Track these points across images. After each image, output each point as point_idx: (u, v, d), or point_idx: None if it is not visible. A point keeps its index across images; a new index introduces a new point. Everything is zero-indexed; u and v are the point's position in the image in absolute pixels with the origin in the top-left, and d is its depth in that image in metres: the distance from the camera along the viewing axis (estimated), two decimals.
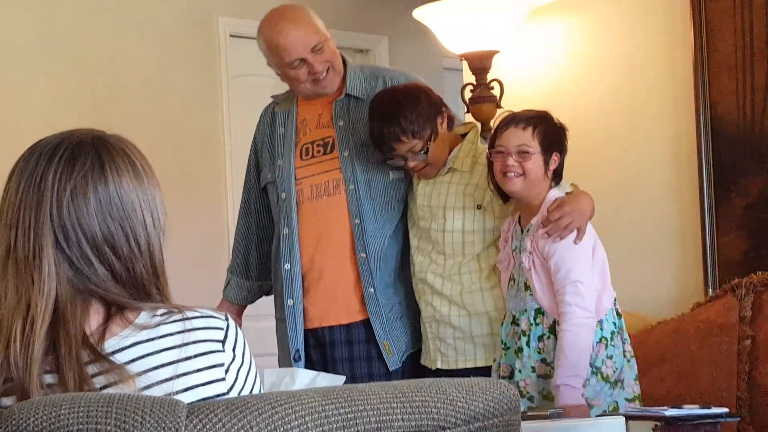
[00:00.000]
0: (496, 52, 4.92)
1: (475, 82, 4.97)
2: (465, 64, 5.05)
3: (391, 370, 3.70)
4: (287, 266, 3.75)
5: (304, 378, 2.93)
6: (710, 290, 4.42)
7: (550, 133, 3.43)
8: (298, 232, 3.75)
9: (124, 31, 6.05)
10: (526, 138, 3.39)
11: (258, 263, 4.02)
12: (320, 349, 3.77)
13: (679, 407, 3.04)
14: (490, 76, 4.95)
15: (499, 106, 4.89)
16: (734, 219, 4.44)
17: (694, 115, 4.51)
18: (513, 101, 4.89)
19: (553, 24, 5.00)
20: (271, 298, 3.98)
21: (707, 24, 4.50)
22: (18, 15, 5.70)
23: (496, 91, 4.95)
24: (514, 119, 3.46)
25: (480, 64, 4.93)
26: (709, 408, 3.09)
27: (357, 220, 3.70)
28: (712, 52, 4.49)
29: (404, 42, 7.49)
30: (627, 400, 3.35)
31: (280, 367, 3.85)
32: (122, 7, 6.06)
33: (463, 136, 3.74)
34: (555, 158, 3.42)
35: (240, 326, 3.88)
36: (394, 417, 1.62)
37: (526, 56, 5.07)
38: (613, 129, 4.82)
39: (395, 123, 3.53)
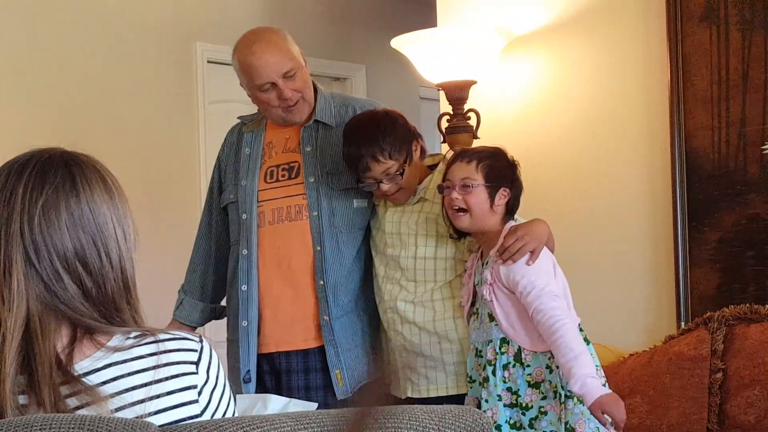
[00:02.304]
0: (473, 82, 4.93)
1: (451, 112, 4.98)
2: (442, 94, 5.07)
3: (339, 399, 3.65)
4: (244, 287, 3.71)
5: (276, 404, 2.92)
6: (683, 323, 4.43)
7: (496, 167, 3.44)
8: (257, 254, 3.72)
9: (101, 56, 6.05)
10: (469, 171, 3.42)
11: (214, 285, 3.98)
12: (275, 375, 3.72)
13: None
14: (466, 106, 4.97)
15: (475, 137, 4.90)
16: (707, 253, 4.45)
17: (669, 149, 4.53)
18: (489, 131, 4.90)
19: (531, 56, 5.02)
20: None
21: (684, 58, 4.53)
22: None
23: (472, 121, 4.96)
24: (460, 154, 3.51)
25: (457, 94, 4.94)
26: None
27: (318, 247, 3.67)
28: (688, 86, 4.52)
29: (382, 71, 7.52)
30: (599, 427, 3.34)
31: None
32: (100, 33, 6.05)
33: (431, 168, 3.73)
34: (503, 193, 3.44)
35: None
36: None
37: (503, 87, 5.09)
38: (589, 161, 4.83)
39: (374, 143, 3.52)
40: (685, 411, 4.03)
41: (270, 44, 3.68)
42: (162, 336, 1.79)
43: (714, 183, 4.44)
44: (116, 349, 1.76)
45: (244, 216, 3.75)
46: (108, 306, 1.81)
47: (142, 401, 1.73)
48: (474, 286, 3.50)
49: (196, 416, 1.76)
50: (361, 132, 3.58)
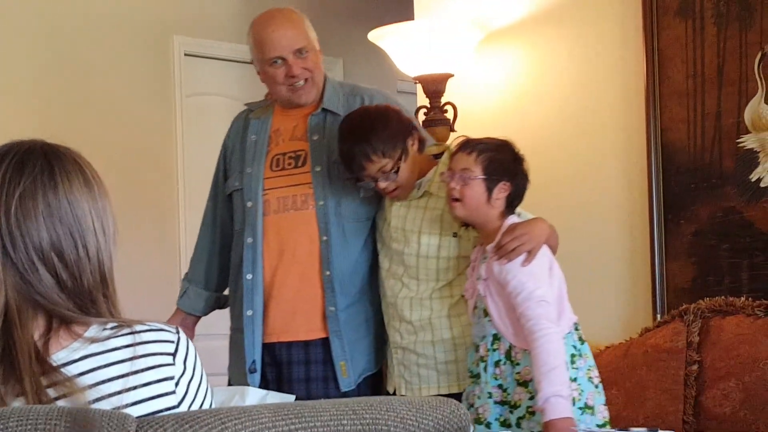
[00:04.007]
0: (450, 75, 4.95)
1: (429, 105, 4.99)
2: (419, 87, 5.08)
3: (343, 390, 3.63)
4: (249, 276, 3.68)
5: (254, 396, 2.92)
6: (659, 315, 4.45)
7: (497, 160, 3.38)
8: (262, 242, 3.69)
9: (79, 48, 6.03)
10: (468, 162, 3.37)
11: (219, 274, 3.94)
12: (276, 367, 3.69)
13: (627, 430, 3.05)
14: (443, 100, 4.98)
15: (452, 129, 4.91)
16: (683, 245, 4.47)
17: (645, 142, 4.55)
18: (466, 125, 4.91)
19: (507, 49, 5.03)
20: (225, 315, 3.93)
21: (659, 52, 4.55)
22: None
23: (449, 115, 4.98)
24: (464, 144, 3.45)
25: (434, 87, 4.95)
26: (656, 431, 3.10)
27: (324, 237, 3.64)
28: (664, 79, 4.54)
29: (359, 64, 7.51)
30: (598, 425, 3.30)
31: (230, 380, 3.80)
32: (78, 25, 6.04)
33: (436, 156, 3.69)
34: (503, 186, 3.37)
35: (192, 338, 3.83)
36: None
37: (480, 80, 5.10)
38: (565, 155, 4.85)
39: (365, 142, 3.47)
40: (661, 403, 4.05)
41: (287, 20, 3.73)
42: (139, 327, 1.79)
43: (690, 176, 4.46)
44: (93, 340, 1.76)
45: (249, 204, 3.72)
46: (84, 298, 1.81)
47: (119, 392, 1.72)
48: (476, 279, 3.45)
49: (173, 407, 1.76)
50: (353, 131, 3.54)
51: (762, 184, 4.32)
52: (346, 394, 3.62)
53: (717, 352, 4.06)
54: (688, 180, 4.47)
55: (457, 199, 3.38)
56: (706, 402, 4.00)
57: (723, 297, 4.20)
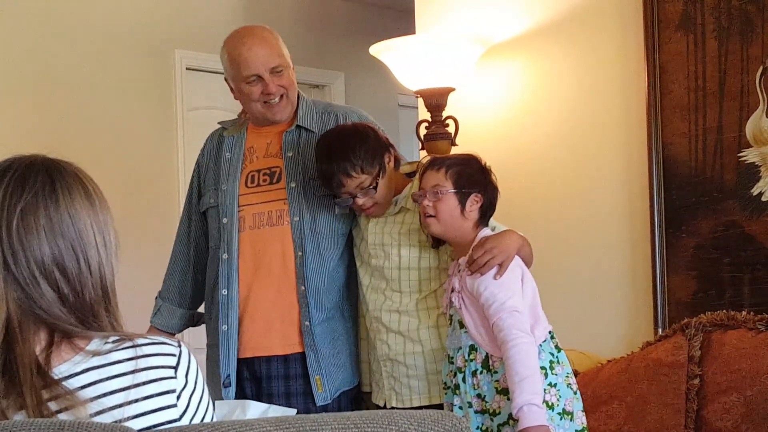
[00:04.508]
0: (451, 89, 4.94)
1: (430, 119, 4.98)
2: (420, 101, 5.07)
3: (318, 405, 3.65)
4: (224, 291, 3.71)
5: (255, 410, 2.92)
6: (660, 329, 4.44)
7: (466, 173, 3.45)
8: (237, 258, 3.72)
9: (81, 61, 6.04)
10: (438, 178, 3.44)
11: (192, 291, 3.97)
12: (255, 382, 3.72)
13: None
14: (445, 114, 4.97)
15: (453, 144, 4.91)
16: (684, 259, 4.47)
17: (646, 156, 4.55)
18: (467, 138, 4.91)
19: (509, 63, 5.03)
20: (202, 330, 3.94)
21: (661, 66, 4.55)
22: None
23: (451, 129, 4.97)
24: (432, 162, 3.52)
25: (435, 101, 4.94)
26: None
27: (299, 252, 3.68)
28: (665, 93, 4.54)
29: (360, 78, 7.52)
30: (577, 431, 3.36)
31: None
32: (80, 38, 6.04)
33: (409, 175, 3.74)
34: (475, 198, 3.44)
35: None
36: None
37: (482, 94, 5.10)
38: (566, 168, 4.84)
39: (344, 158, 3.52)
40: (662, 417, 4.05)
41: (261, 39, 3.74)
42: (140, 341, 1.79)
43: (691, 190, 4.46)
44: (95, 354, 1.76)
45: (224, 220, 3.75)
46: (85, 312, 1.81)
47: (120, 406, 1.72)
48: (450, 292, 3.50)
49: (175, 421, 1.76)
50: (332, 148, 3.58)
51: (763, 199, 4.31)
52: (325, 409, 3.65)
53: (718, 366, 4.05)
54: (689, 194, 4.47)
55: (431, 216, 3.44)
56: (707, 416, 3.99)
57: (724, 311, 4.19)
